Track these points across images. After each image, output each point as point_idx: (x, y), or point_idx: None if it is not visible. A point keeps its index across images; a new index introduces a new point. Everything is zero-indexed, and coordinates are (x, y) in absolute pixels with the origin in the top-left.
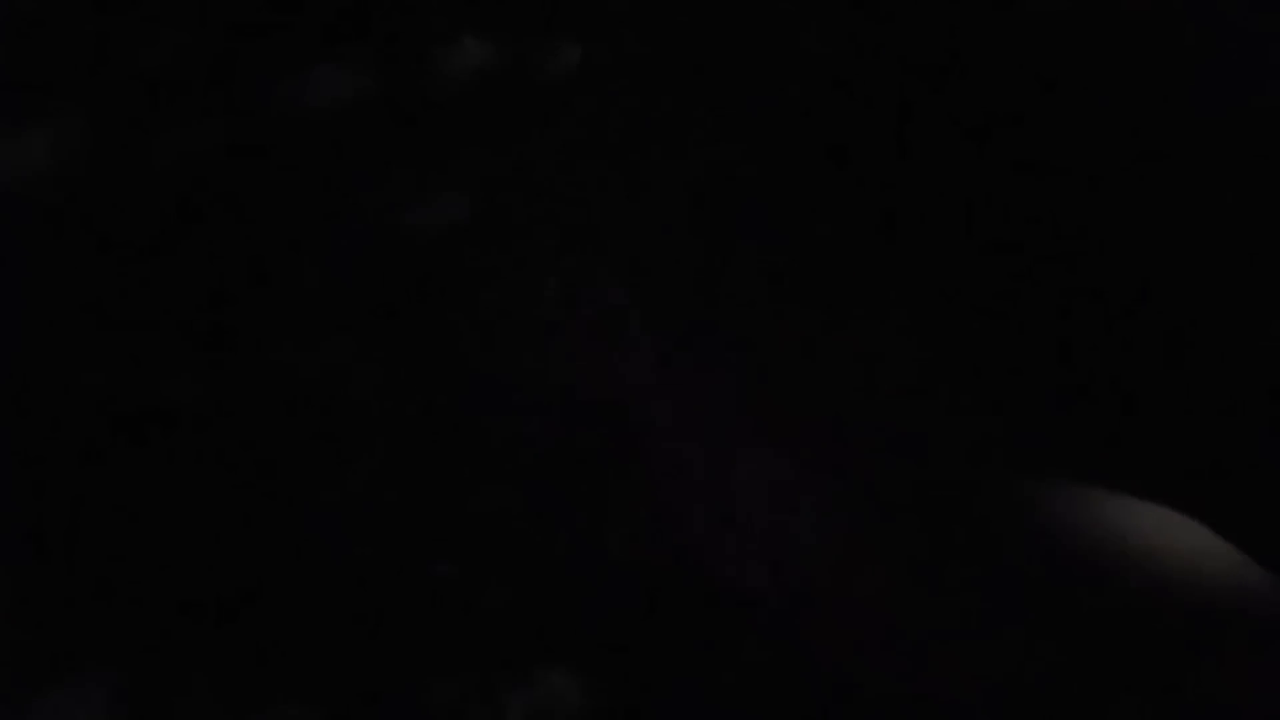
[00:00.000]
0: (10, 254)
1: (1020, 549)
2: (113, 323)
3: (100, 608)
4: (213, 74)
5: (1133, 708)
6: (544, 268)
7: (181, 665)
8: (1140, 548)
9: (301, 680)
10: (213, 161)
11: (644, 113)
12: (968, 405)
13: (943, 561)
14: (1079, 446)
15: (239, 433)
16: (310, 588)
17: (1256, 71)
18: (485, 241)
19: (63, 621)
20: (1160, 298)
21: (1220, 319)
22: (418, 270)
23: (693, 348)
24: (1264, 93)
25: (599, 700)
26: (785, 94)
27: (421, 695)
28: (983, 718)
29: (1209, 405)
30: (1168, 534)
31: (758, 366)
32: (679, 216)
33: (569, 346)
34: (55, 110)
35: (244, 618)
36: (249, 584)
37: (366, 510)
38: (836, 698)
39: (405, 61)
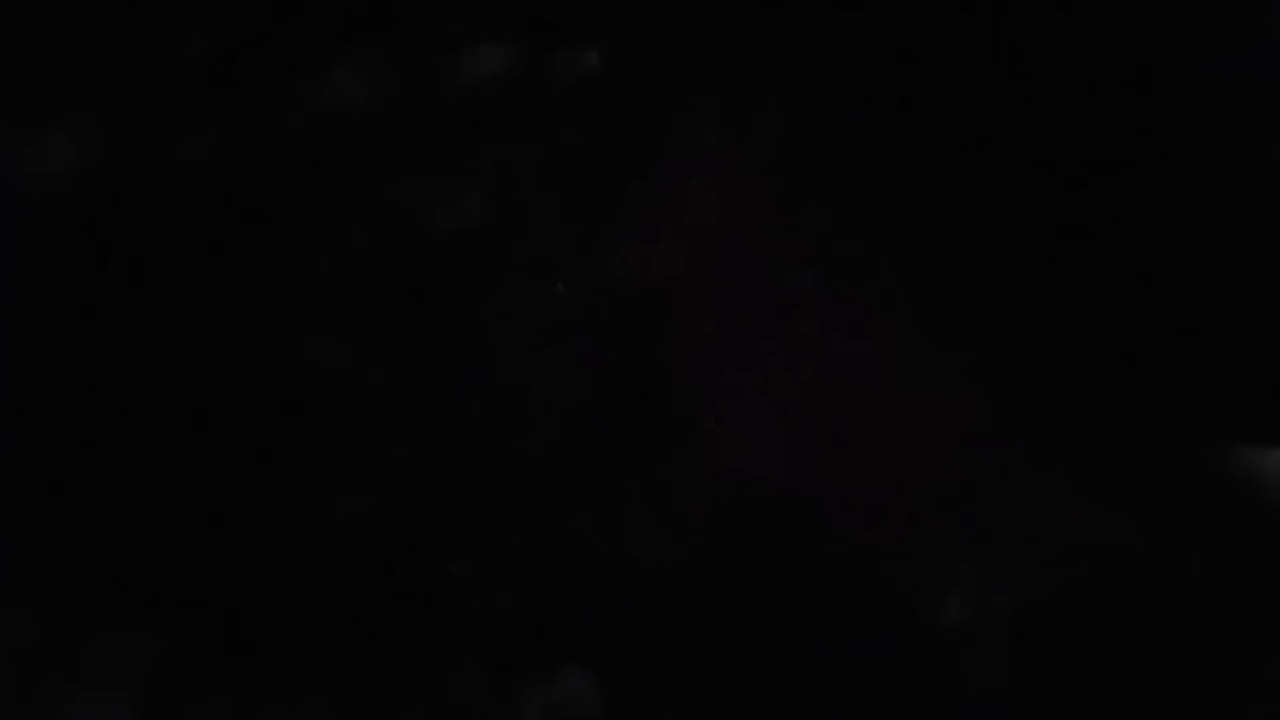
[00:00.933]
0: (24, 253)
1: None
2: (128, 320)
3: (115, 606)
4: (228, 75)
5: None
6: (559, 268)
7: (196, 666)
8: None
9: (319, 679)
10: (228, 161)
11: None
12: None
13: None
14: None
15: (253, 431)
16: (326, 587)
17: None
18: (501, 242)
19: (72, 623)
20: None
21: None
22: (433, 271)
23: (725, 237)
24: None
25: (615, 699)
26: (796, 90)
27: (438, 694)
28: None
29: None
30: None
31: (790, 255)
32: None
33: (608, 242)
34: (72, 111)
35: (260, 617)
36: (264, 584)
37: (382, 510)
38: (851, 586)
39: (421, 64)
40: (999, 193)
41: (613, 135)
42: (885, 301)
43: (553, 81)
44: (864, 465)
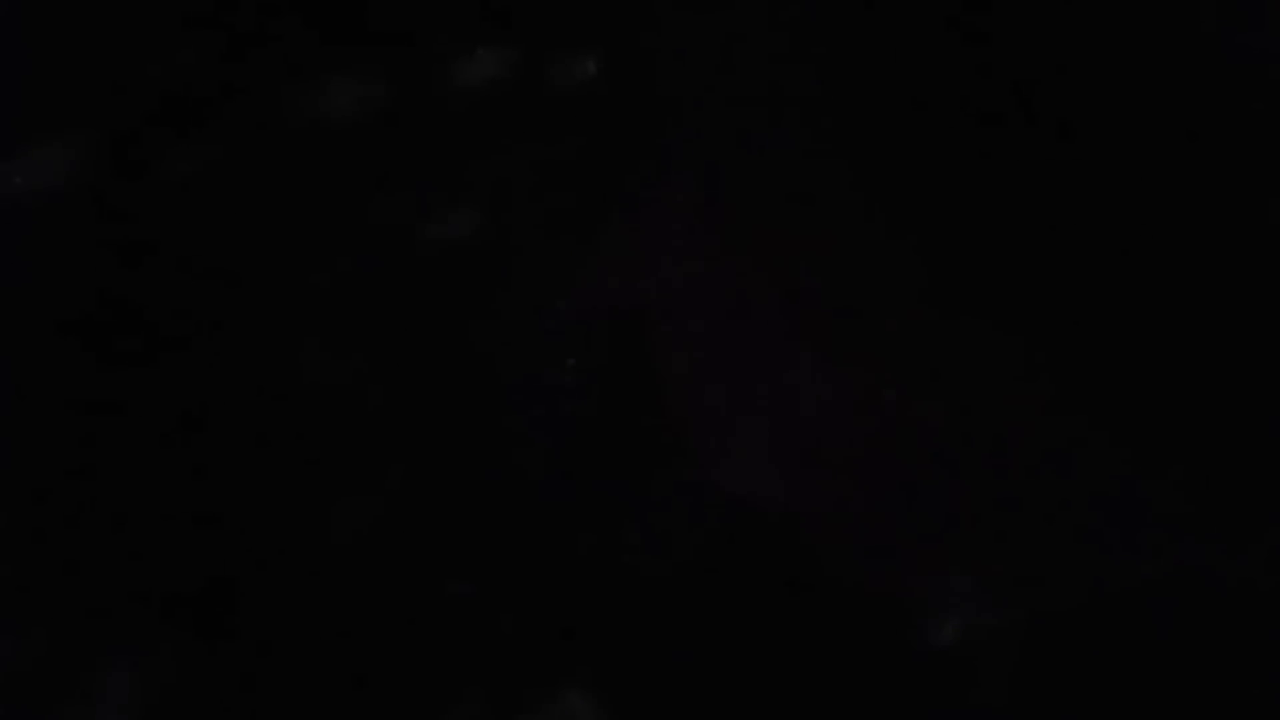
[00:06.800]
0: (19, 265)
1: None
2: (123, 335)
3: (109, 630)
4: (222, 87)
5: None
6: (555, 278)
7: (192, 685)
8: None
9: (318, 699)
10: (220, 176)
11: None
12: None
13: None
14: None
15: (250, 448)
16: (327, 606)
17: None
18: (497, 253)
19: (67, 646)
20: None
21: None
22: (429, 282)
23: (717, 259)
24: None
25: (613, 717)
26: (800, 96)
27: (438, 713)
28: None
29: None
30: None
31: (784, 278)
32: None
33: (599, 258)
34: (64, 126)
35: (258, 637)
36: (263, 603)
37: (382, 529)
38: (845, 604)
39: (415, 74)
40: (994, 222)
41: (608, 146)
42: (878, 319)
43: (548, 92)
44: (852, 481)
